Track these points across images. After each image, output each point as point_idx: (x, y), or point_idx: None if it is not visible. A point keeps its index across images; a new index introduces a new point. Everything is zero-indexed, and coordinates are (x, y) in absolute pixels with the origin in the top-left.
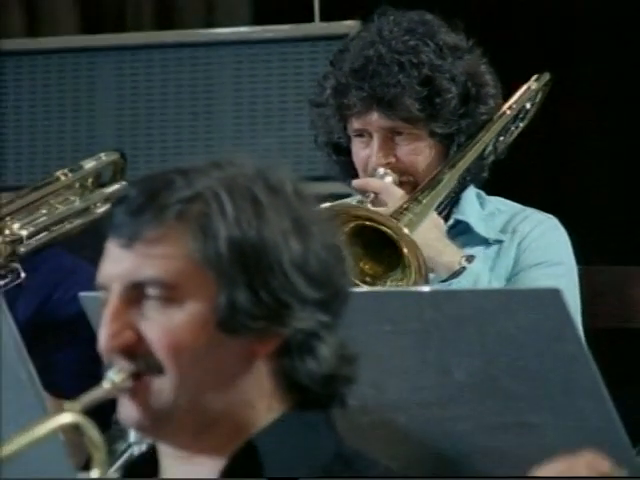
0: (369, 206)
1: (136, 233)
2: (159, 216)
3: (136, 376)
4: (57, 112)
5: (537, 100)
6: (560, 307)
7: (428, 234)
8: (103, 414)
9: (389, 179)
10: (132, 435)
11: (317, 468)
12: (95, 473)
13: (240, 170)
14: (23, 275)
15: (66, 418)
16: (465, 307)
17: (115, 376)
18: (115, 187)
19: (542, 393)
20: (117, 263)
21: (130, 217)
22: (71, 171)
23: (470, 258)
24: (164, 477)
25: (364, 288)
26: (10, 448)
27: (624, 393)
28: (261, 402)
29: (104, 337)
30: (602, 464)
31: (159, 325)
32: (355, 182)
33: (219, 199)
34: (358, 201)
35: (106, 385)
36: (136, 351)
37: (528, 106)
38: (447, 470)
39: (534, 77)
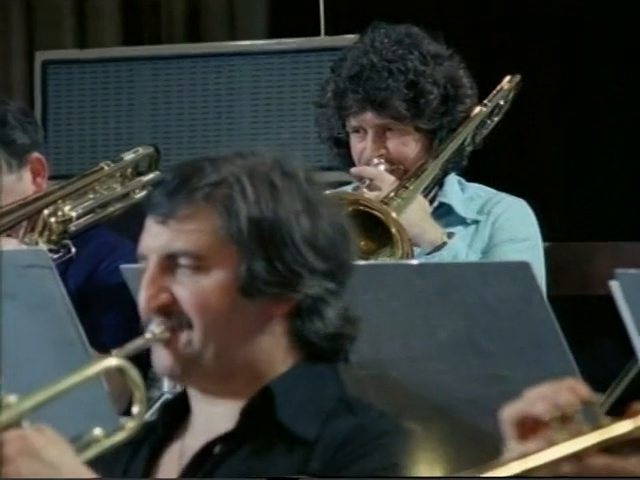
0: (365, 192)
1: (170, 211)
2: (190, 197)
3: (170, 330)
4: (102, 112)
5: (509, 98)
6: (528, 277)
7: (414, 215)
8: (140, 369)
9: (381, 167)
10: (165, 385)
11: (323, 411)
12: (136, 409)
13: (260, 159)
14: (73, 250)
15: (113, 362)
16: (447, 277)
17: (156, 329)
18: (150, 176)
19: (514, 350)
20: (154, 237)
21: (166, 198)
22: (113, 162)
23: (450, 235)
24: (193, 416)
25: (366, 262)
26: (66, 384)
27: (582, 350)
28: (276, 355)
29: (144, 299)
30: (582, 388)
31: (189, 289)
32: (353, 170)
33: (241, 183)
34: (355, 187)
35: (148, 335)
36: (170, 310)
37: (502, 103)
38: (433, 416)
39: (507, 78)
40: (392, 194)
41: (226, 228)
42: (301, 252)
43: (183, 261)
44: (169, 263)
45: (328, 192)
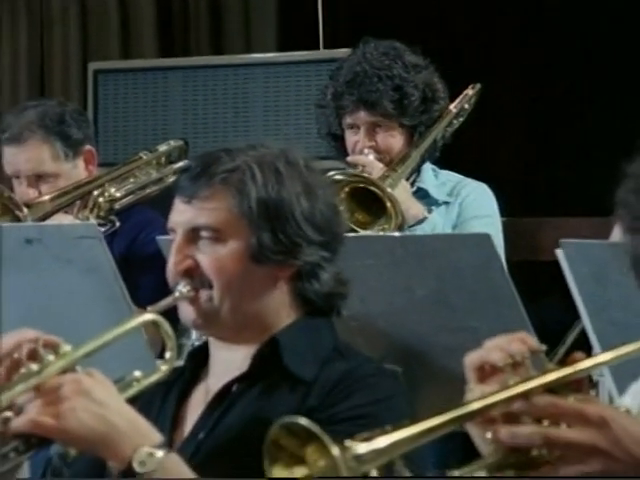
0: (361, 171)
1: (194, 193)
2: (210, 181)
3: (194, 290)
4: (141, 112)
5: (472, 102)
6: (489, 246)
7: (401, 194)
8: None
9: (371, 156)
10: (193, 334)
11: (319, 357)
12: (168, 355)
13: (267, 150)
14: (118, 224)
15: (148, 316)
16: (424, 246)
17: (182, 288)
18: (180, 164)
19: (477, 306)
20: (181, 214)
21: (190, 182)
22: (150, 152)
23: (429, 211)
24: (214, 361)
25: (356, 233)
26: (111, 335)
27: (533, 306)
28: (281, 311)
29: (172, 264)
30: (531, 339)
31: (209, 256)
32: (349, 158)
33: (252, 170)
34: (353, 170)
35: (176, 294)
36: (193, 273)
37: (466, 106)
38: (411, 360)
39: (470, 86)
40: (385, 175)
41: (239, 207)
42: (301, 226)
43: (204, 234)
44: (193, 235)
45: (333, 172)
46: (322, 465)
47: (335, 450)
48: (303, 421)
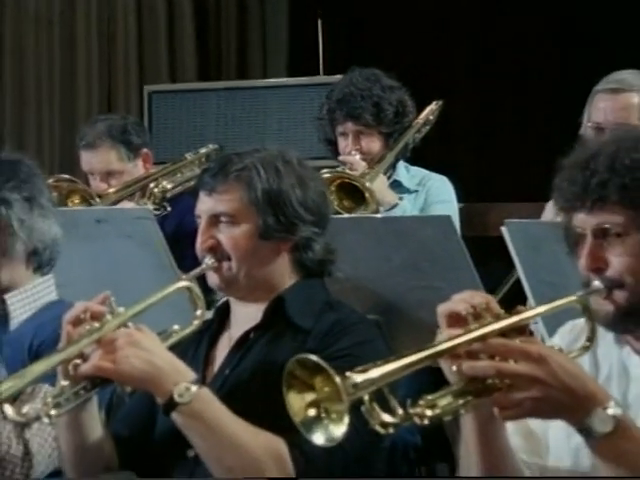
0: (347, 171)
1: (214, 187)
2: (225, 178)
3: (217, 261)
4: (185, 124)
5: (435, 114)
6: (449, 225)
7: (379, 185)
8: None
9: (357, 157)
10: (219, 295)
11: (315, 311)
12: (198, 312)
13: (269, 152)
14: (169, 209)
15: (183, 283)
16: (400, 225)
17: (208, 261)
18: None
19: (441, 270)
20: (204, 204)
21: (211, 178)
22: (193, 154)
23: (401, 198)
24: (233, 314)
25: (349, 215)
26: (156, 297)
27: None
28: (284, 275)
29: (199, 242)
30: (486, 295)
31: (227, 236)
32: (341, 157)
33: (257, 168)
34: (341, 168)
35: (203, 265)
36: (216, 249)
37: (431, 117)
38: (390, 312)
39: (434, 102)
40: (366, 172)
41: (248, 197)
42: (296, 210)
43: (223, 218)
44: (214, 220)
45: (325, 171)
46: (327, 391)
47: (338, 379)
48: (313, 357)
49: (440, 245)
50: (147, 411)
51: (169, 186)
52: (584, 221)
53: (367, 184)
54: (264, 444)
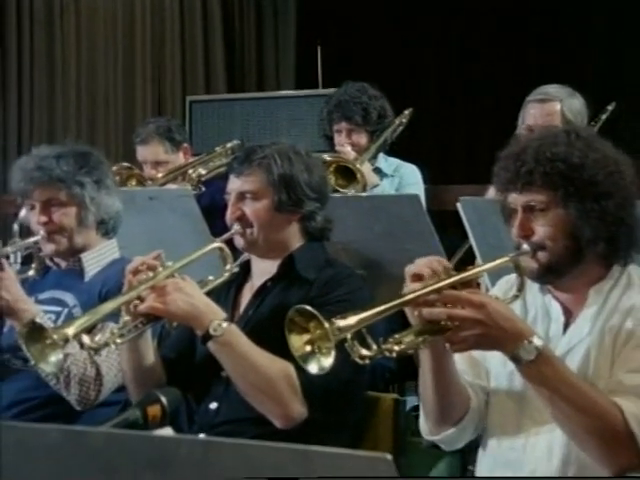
0: (342, 156)
1: (241, 171)
2: (250, 164)
3: (242, 228)
4: (216, 125)
5: (407, 118)
6: (417, 202)
7: (365, 170)
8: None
9: (349, 148)
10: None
11: (317, 266)
12: (228, 267)
13: (283, 145)
14: (203, 189)
15: (216, 244)
16: (380, 201)
17: (236, 227)
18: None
19: (410, 237)
20: (233, 184)
21: (238, 164)
22: (221, 147)
23: (381, 179)
24: (254, 268)
25: (341, 194)
26: (195, 255)
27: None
28: (294, 239)
29: (229, 213)
30: (443, 259)
31: (250, 209)
32: (337, 148)
33: (274, 157)
34: (336, 156)
35: (232, 231)
36: (242, 219)
37: (404, 121)
38: (373, 267)
39: (406, 110)
40: (356, 158)
41: (267, 179)
42: (304, 190)
43: (247, 195)
44: (241, 196)
45: (326, 155)
46: (318, 333)
47: (326, 324)
48: (308, 307)
49: (410, 217)
50: (188, 341)
51: (203, 172)
52: (516, 200)
53: (358, 166)
54: (278, 367)
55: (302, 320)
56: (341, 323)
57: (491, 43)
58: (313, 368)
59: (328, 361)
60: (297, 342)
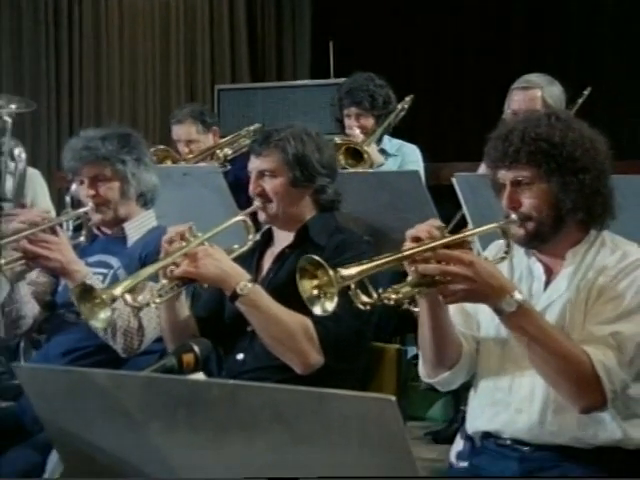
0: (352, 139)
1: (260, 152)
2: (268, 145)
3: (262, 203)
4: (240, 111)
5: (408, 105)
6: (417, 177)
7: (372, 151)
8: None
9: (357, 131)
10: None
11: (328, 233)
12: (250, 236)
13: (297, 127)
14: (229, 167)
15: (240, 217)
16: (384, 177)
17: (258, 203)
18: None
19: (411, 207)
20: (254, 163)
21: (258, 145)
22: (245, 129)
23: (386, 159)
24: (275, 237)
25: (348, 170)
26: (222, 227)
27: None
28: (307, 211)
29: (250, 190)
30: (437, 223)
31: (270, 185)
32: (347, 131)
33: (289, 139)
34: (345, 139)
35: (254, 205)
36: (262, 194)
37: (405, 107)
38: (378, 233)
39: (407, 97)
40: (364, 140)
41: (283, 159)
42: (315, 167)
43: (266, 173)
44: (260, 174)
45: (337, 138)
46: (325, 280)
47: (331, 272)
48: (316, 257)
49: (411, 191)
50: (218, 300)
51: (229, 151)
52: (504, 175)
53: (365, 147)
54: (297, 321)
55: (311, 268)
56: (344, 272)
57: (480, 39)
58: (317, 310)
59: (331, 305)
60: (306, 286)
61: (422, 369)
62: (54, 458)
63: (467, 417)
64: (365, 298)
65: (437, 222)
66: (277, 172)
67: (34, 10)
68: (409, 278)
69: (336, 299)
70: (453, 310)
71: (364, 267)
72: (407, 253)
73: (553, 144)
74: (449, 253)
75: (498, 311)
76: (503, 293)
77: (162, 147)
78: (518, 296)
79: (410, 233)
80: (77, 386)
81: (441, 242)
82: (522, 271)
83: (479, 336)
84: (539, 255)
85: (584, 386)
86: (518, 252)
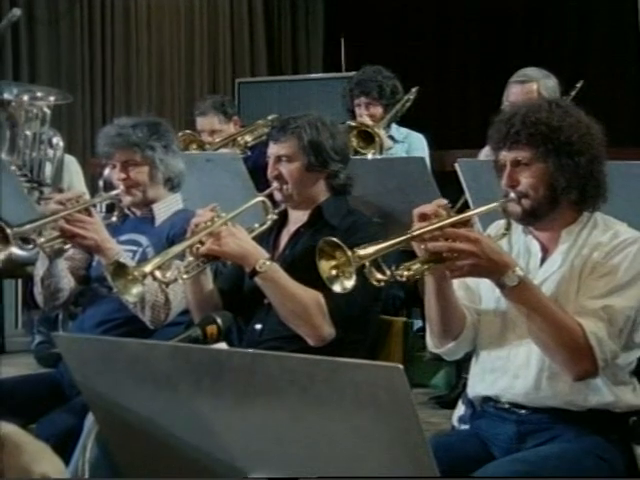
0: (364, 122)
1: (278, 138)
2: (285, 132)
3: (280, 185)
4: (259, 102)
5: (413, 96)
6: (423, 163)
7: (382, 135)
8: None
9: (367, 119)
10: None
11: (341, 215)
12: (269, 216)
13: (313, 116)
14: (249, 153)
15: (259, 198)
16: (392, 162)
17: (276, 185)
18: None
19: (417, 190)
20: (272, 149)
21: (276, 132)
22: (262, 120)
23: (394, 143)
24: (290, 217)
25: (358, 157)
26: (242, 208)
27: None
28: (321, 193)
29: (269, 173)
30: (443, 203)
31: (286, 169)
32: (358, 119)
33: (304, 127)
34: (358, 121)
35: (272, 187)
36: (279, 178)
37: (411, 97)
38: (387, 217)
39: (413, 88)
40: (374, 125)
41: (299, 145)
42: (329, 153)
43: (283, 158)
44: (278, 159)
45: (350, 121)
46: (342, 260)
47: (349, 252)
48: (334, 239)
49: (417, 176)
50: (239, 276)
51: (249, 139)
52: (505, 156)
53: (377, 131)
54: (310, 296)
55: (330, 249)
56: (361, 252)
57: (481, 35)
58: (337, 288)
59: (350, 283)
60: (325, 267)
61: (429, 340)
62: (90, 420)
63: (468, 383)
64: (379, 275)
65: (443, 201)
66: (293, 157)
67: (70, 10)
68: (419, 256)
69: (354, 277)
70: (456, 285)
71: (379, 246)
72: (418, 232)
73: (552, 128)
74: (456, 231)
75: (500, 285)
76: (505, 268)
77: (188, 132)
78: (519, 271)
79: (417, 211)
80: (110, 354)
81: (448, 221)
82: (520, 248)
83: (480, 309)
84: (535, 233)
85: (577, 355)
86: (516, 231)
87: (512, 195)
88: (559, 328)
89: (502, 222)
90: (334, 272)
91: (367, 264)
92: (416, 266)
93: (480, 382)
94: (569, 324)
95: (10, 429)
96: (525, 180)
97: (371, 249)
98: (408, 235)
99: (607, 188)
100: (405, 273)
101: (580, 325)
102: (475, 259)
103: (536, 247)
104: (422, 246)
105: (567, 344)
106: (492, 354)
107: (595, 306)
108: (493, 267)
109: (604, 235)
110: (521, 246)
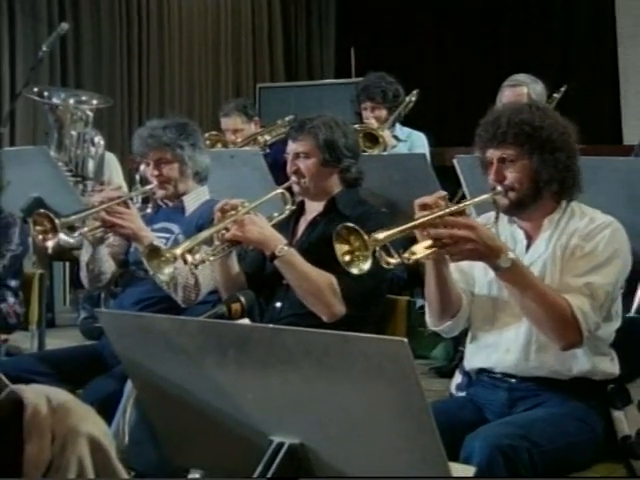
0: (369, 125)
1: (296, 137)
2: (302, 132)
3: (297, 178)
4: (278, 105)
5: (414, 98)
6: (424, 159)
7: (385, 135)
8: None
9: (373, 121)
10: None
11: (352, 205)
12: (287, 207)
13: (327, 117)
14: (268, 150)
15: (279, 190)
16: (396, 158)
17: (294, 178)
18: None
19: (418, 183)
20: (290, 146)
21: (294, 132)
22: (281, 121)
23: (398, 142)
24: (307, 207)
25: (367, 154)
26: (262, 199)
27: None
28: (335, 186)
29: (289, 168)
30: (442, 194)
31: (304, 165)
32: (364, 121)
33: (320, 126)
34: (364, 125)
35: (291, 181)
36: (297, 172)
37: (413, 99)
38: (395, 208)
39: (414, 91)
40: (378, 127)
41: (314, 143)
42: (342, 150)
43: (301, 155)
44: (296, 156)
45: (357, 125)
46: (358, 244)
47: (365, 236)
48: (351, 224)
49: (419, 170)
50: (260, 259)
51: (268, 138)
52: (492, 154)
53: (381, 132)
54: (325, 278)
55: (347, 234)
56: (377, 235)
57: (476, 43)
58: (354, 270)
59: (366, 265)
60: (342, 250)
61: (429, 319)
62: (129, 386)
63: (465, 356)
64: (389, 259)
65: (442, 193)
66: (310, 154)
67: (111, 24)
68: (420, 242)
69: (370, 260)
70: (452, 268)
71: (391, 232)
72: (423, 220)
73: (534, 127)
74: (456, 220)
75: (495, 268)
76: (499, 252)
77: (214, 133)
78: (512, 255)
79: (419, 201)
80: (146, 328)
81: (448, 211)
82: (506, 237)
83: (474, 290)
84: (520, 223)
85: (565, 327)
86: (502, 221)
87: (499, 189)
88: (549, 304)
89: (490, 214)
90: (348, 258)
91: (378, 249)
92: (420, 250)
93: (475, 356)
94: (557, 300)
95: (60, 394)
96: (511, 175)
97: (384, 234)
98: (415, 222)
99: (582, 179)
100: (412, 257)
101: (566, 300)
102: (473, 244)
103: (521, 235)
104: (424, 233)
105: (556, 318)
106: (485, 332)
107: (578, 284)
108: (489, 251)
109: (581, 221)
110: (507, 235)
